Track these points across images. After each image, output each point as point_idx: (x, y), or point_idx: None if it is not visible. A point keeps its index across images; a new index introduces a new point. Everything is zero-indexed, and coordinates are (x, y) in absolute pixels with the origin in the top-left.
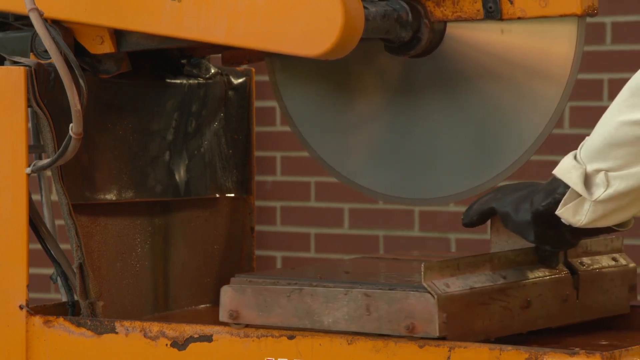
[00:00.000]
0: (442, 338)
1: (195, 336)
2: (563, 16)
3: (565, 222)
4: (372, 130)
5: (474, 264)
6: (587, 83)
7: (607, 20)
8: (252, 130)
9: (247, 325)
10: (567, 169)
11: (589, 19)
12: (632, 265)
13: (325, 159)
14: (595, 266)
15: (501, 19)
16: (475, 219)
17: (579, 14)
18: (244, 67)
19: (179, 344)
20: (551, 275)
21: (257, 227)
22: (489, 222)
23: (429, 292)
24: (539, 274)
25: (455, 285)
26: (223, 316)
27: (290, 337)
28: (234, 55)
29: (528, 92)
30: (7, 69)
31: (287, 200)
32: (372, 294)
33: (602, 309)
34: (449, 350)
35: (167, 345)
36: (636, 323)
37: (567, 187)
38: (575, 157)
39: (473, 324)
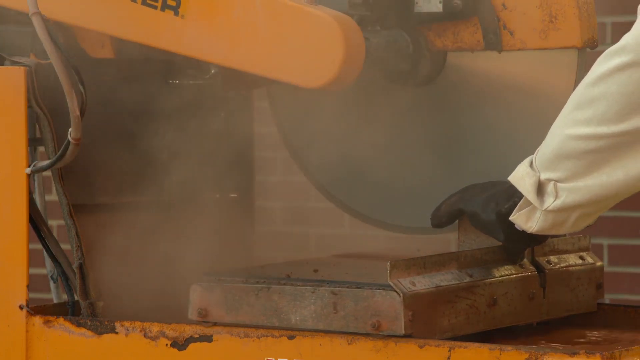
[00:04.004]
0: (407, 336)
1: (195, 336)
2: (563, 49)
3: (519, 228)
4: (374, 159)
5: (440, 263)
6: None
7: (607, 20)
8: (252, 130)
9: (215, 324)
10: (521, 177)
11: None
12: (599, 263)
13: (329, 190)
14: (562, 264)
15: (501, 51)
16: (444, 220)
17: (579, 47)
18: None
19: (179, 344)
20: (518, 274)
21: (257, 227)
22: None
23: (395, 291)
24: (505, 272)
25: (422, 283)
26: (192, 314)
27: (290, 337)
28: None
29: (529, 119)
30: (7, 69)
31: (287, 200)
32: (339, 292)
33: (569, 306)
34: (449, 350)
35: (167, 345)
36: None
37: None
38: (531, 164)
39: (439, 322)
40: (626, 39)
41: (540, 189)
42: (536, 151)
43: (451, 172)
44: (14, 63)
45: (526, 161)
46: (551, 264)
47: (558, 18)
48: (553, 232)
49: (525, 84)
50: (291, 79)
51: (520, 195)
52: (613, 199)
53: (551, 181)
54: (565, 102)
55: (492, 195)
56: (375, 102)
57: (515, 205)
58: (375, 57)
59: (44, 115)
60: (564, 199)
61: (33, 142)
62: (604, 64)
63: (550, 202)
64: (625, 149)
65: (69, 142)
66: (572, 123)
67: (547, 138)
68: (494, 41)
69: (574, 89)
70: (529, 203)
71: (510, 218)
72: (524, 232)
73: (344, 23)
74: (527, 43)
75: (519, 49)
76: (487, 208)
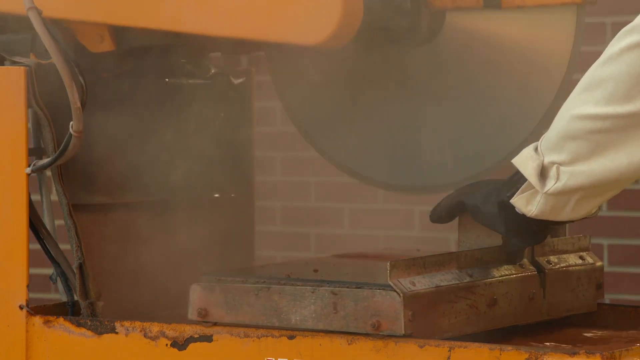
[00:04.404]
0: (407, 336)
1: (195, 336)
2: (563, 5)
3: (519, 211)
4: (372, 121)
5: (440, 263)
6: None
7: (607, 20)
8: (252, 130)
9: (215, 324)
10: (524, 160)
11: (589, 19)
12: (599, 263)
13: (329, 152)
14: (562, 264)
15: (501, 8)
16: (444, 215)
17: (578, 2)
18: (243, 67)
19: (179, 344)
20: (518, 274)
21: (257, 227)
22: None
23: (395, 291)
24: (505, 272)
25: (422, 283)
26: (192, 314)
27: (290, 337)
28: (233, 48)
29: (525, 83)
30: (7, 69)
31: (287, 200)
32: (339, 292)
33: (569, 307)
34: (449, 350)
35: (167, 345)
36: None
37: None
38: (536, 149)
39: (439, 322)
40: (638, 18)
41: (543, 172)
42: (542, 136)
43: (455, 135)
44: (14, 63)
45: (531, 145)
46: (551, 264)
47: None
48: (552, 218)
49: (524, 45)
50: (290, 38)
51: (519, 187)
52: (615, 184)
53: (554, 164)
54: (564, 64)
55: (493, 189)
56: (374, 65)
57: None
58: (373, 14)
59: (44, 115)
60: (566, 181)
61: (33, 152)
62: (616, 44)
63: (551, 184)
64: (632, 133)
65: (70, 135)
66: (580, 103)
67: (554, 122)
68: None
69: (572, 48)
70: (530, 187)
71: (511, 201)
72: (524, 225)
73: None
74: (526, 0)
75: (518, 7)
76: (488, 200)
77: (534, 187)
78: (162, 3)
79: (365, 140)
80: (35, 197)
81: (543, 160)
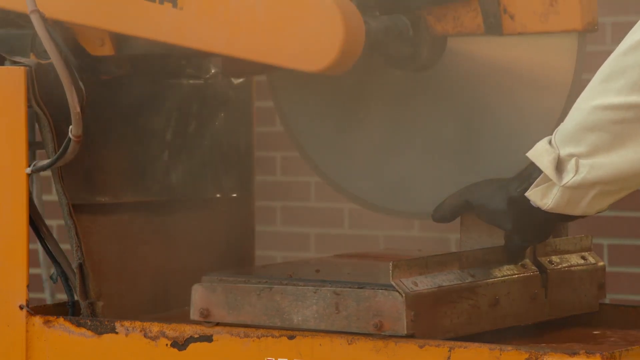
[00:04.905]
0: (410, 336)
1: (195, 336)
2: (564, 32)
3: (534, 205)
4: (373, 145)
5: (442, 263)
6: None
7: (607, 20)
8: (252, 130)
9: (217, 324)
10: (540, 153)
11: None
12: (601, 263)
13: (333, 178)
14: (564, 265)
15: (502, 34)
16: (448, 214)
17: (579, 30)
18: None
19: (179, 344)
20: (520, 274)
21: (257, 227)
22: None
23: (397, 291)
24: (507, 273)
25: (424, 283)
26: (194, 314)
27: (291, 337)
28: (234, 67)
29: (529, 106)
30: (7, 69)
31: (287, 200)
32: (341, 292)
33: (571, 307)
34: (449, 350)
35: (167, 345)
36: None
37: (541, 171)
38: (549, 142)
39: (441, 322)
40: None
41: (559, 165)
42: (555, 130)
43: (456, 160)
44: (14, 63)
45: (545, 139)
46: (553, 264)
47: (558, 1)
48: (567, 211)
49: (526, 69)
50: (291, 64)
51: (535, 177)
52: (634, 178)
53: (572, 157)
54: (566, 87)
55: (500, 186)
56: (376, 89)
57: (526, 190)
58: (375, 41)
59: (44, 115)
60: (585, 174)
61: (33, 146)
62: (636, 33)
63: (569, 177)
64: None
65: (69, 139)
66: (601, 93)
67: (570, 114)
68: (494, 25)
69: (574, 74)
70: (546, 180)
71: (526, 194)
72: (532, 222)
73: (343, 6)
74: (528, 27)
75: (519, 33)
76: (494, 198)
77: (549, 180)
78: (164, 15)
79: (366, 165)
80: None
81: (559, 153)
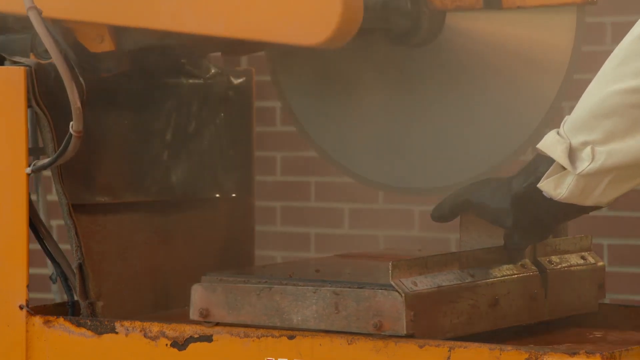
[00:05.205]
0: (409, 336)
1: (195, 336)
2: (563, 5)
3: (547, 195)
4: (374, 122)
5: (442, 263)
6: (588, 83)
7: (607, 20)
8: (252, 130)
9: (217, 324)
10: (551, 143)
11: (589, 19)
12: (600, 263)
13: (330, 154)
14: (563, 265)
15: (501, 8)
16: (447, 213)
17: (578, 2)
18: (243, 67)
19: (179, 344)
20: (520, 274)
21: (257, 227)
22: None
23: (397, 291)
24: (507, 272)
25: (423, 283)
26: (193, 314)
27: (290, 337)
28: (233, 49)
29: (526, 84)
30: (7, 69)
31: (287, 200)
32: (340, 292)
33: (571, 307)
34: (449, 350)
35: (167, 345)
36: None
37: (549, 164)
38: (558, 133)
39: (441, 322)
40: None
41: (571, 155)
42: (562, 121)
43: (453, 135)
44: (14, 63)
45: (552, 131)
46: (553, 264)
47: None
48: (580, 201)
49: (525, 46)
50: (290, 39)
51: (542, 170)
52: None
53: (587, 145)
54: (564, 64)
55: (501, 184)
56: (374, 65)
57: (537, 180)
58: (373, 15)
59: (44, 115)
60: (603, 161)
61: (33, 152)
62: None
63: (585, 165)
64: None
65: (70, 136)
66: (617, 78)
67: (580, 102)
68: None
69: (573, 49)
70: (558, 170)
71: (539, 185)
72: (535, 218)
73: None
74: (527, 0)
75: (518, 7)
76: (495, 196)
77: (561, 171)
78: (161, 3)
79: (364, 141)
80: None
81: (570, 143)
